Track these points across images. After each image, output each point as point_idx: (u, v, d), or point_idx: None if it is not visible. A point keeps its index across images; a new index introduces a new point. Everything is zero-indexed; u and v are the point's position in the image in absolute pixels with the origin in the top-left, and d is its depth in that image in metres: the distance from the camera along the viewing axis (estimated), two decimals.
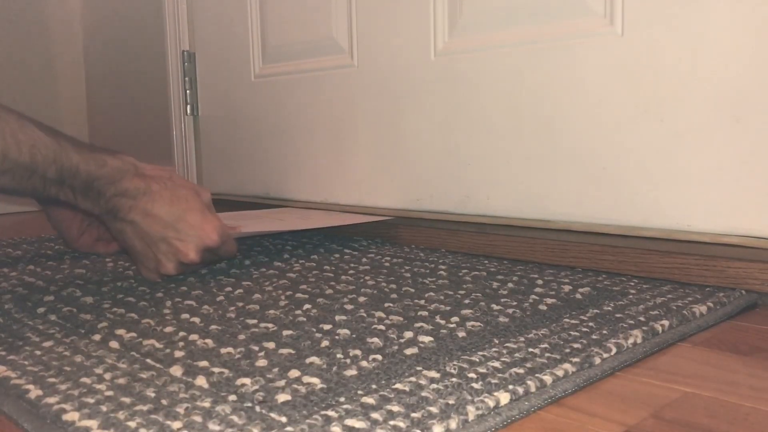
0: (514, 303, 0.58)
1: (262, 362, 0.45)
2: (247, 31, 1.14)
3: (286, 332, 0.51)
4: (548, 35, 0.75)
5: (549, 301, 0.59)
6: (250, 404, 0.38)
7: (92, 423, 0.36)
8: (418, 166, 0.90)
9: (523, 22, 0.78)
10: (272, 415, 0.36)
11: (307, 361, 0.45)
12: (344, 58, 0.98)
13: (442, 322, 0.53)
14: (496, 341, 0.48)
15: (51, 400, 0.39)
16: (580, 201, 0.74)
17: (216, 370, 0.44)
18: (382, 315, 0.55)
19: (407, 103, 0.90)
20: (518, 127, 0.78)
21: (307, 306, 0.59)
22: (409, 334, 0.50)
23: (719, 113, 0.63)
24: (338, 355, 0.46)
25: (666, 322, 0.51)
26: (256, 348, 0.48)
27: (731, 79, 0.62)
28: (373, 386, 0.40)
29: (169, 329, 0.53)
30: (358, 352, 0.47)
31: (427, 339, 0.49)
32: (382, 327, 0.52)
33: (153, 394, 0.40)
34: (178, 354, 0.47)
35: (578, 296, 0.60)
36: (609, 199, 0.72)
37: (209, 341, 0.50)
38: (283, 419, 0.36)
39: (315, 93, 1.03)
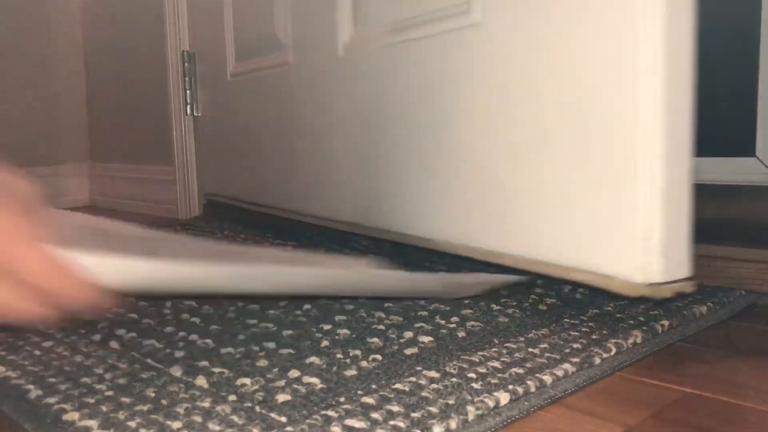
0: (514, 303, 0.58)
1: (262, 362, 0.45)
2: (223, 28, 1.11)
3: (286, 332, 0.51)
4: (428, 22, 0.68)
5: (549, 301, 0.59)
6: (250, 404, 0.38)
7: (92, 423, 0.36)
8: (342, 170, 0.82)
9: (411, 10, 0.70)
10: (272, 415, 0.36)
11: (307, 361, 0.45)
12: (284, 55, 0.94)
13: (442, 322, 0.53)
14: (496, 341, 0.48)
15: (51, 400, 0.39)
16: (455, 220, 0.66)
17: (216, 370, 0.43)
18: (382, 315, 0.55)
19: (326, 104, 0.85)
20: (410, 128, 0.71)
21: (307, 306, 0.59)
22: (409, 334, 0.50)
23: (566, 119, 0.55)
24: (338, 355, 0.46)
25: (666, 322, 0.51)
26: (256, 348, 0.48)
27: (577, 80, 0.54)
28: (373, 386, 0.40)
29: (169, 329, 0.53)
30: (358, 352, 0.47)
31: (427, 339, 0.49)
32: (382, 327, 0.52)
33: (153, 394, 0.40)
34: (178, 354, 0.47)
35: (578, 296, 0.60)
36: (475, 218, 0.63)
37: (209, 341, 0.50)
38: (283, 419, 0.36)
39: (265, 92, 0.99)
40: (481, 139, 0.62)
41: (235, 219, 1.18)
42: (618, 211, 0.50)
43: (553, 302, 0.58)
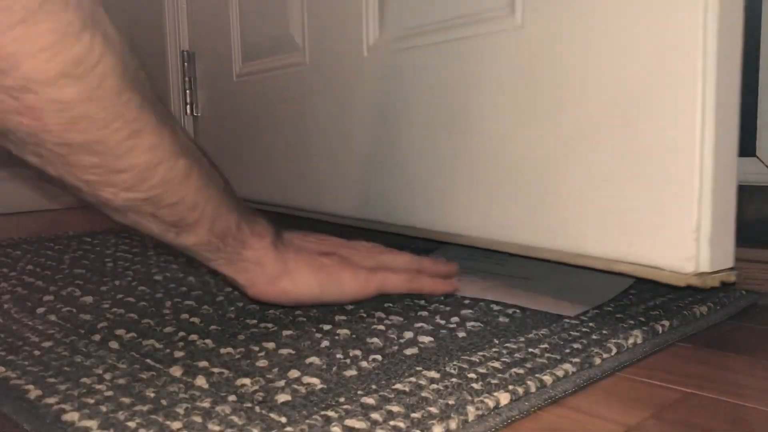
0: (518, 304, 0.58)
1: (262, 362, 0.45)
2: (230, 28, 1.11)
3: (286, 332, 0.51)
4: (459, 26, 0.69)
5: None
6: (250, 404, 0.38)
7: (92, 423, 0.36)
8: (356, 170, 0.85)
9: (440, 13, 0.72)
10: (272, 415, 0.36)
11: (307, 361, 0.45)
12: (299, 55, 0.95)
13: (442, 322, 0.53)
14: (496, 341, 0.48)
15: (51, 400, 0.39)
16: (484, 213, 0.67)
17: (216, 370, 0.43)
18: (382, 315, 0.55)
19: (346, 103, 0.86)
20: (435, 128, 0.72)
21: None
22: (409, 334, 0.50)
23: (611, 115, 0.56)
24: (338, 355, 0.46)
25: (666, 322, 0.51)
26: (256, 348, 0.48)
27: (624, 75, 0.55)
28: (373, 386, 0.40)
29: (169, 329, 0.53)
30: (358, 352, 0.47)
31: (427, 339, 0.49)
32: (382, 327, 0.52)
33: (153, 395, 0.40)
34: (178, 354, 0.47)
35: None
36: (510, 213, 0.64)
37: (209, 341, 0.50)
38: (283, 419, 0.36)
39: (278, 92, 1.00)
40: (522, 136, 0.63)
41: None
42: (667, 204, 0.52)
43: None
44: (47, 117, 0.34)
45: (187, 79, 1.25)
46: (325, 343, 0.49)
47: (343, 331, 0.51)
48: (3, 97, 0.33)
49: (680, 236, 0.51)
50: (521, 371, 0.42)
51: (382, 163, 0.81)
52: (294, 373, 0.43)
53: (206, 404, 0.38)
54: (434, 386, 0.40)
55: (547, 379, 0.41)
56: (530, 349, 0.46)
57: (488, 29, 0.66)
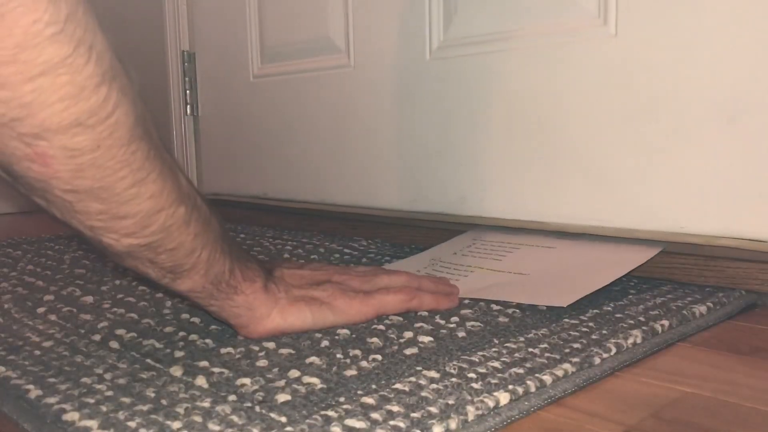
0: (514, 303, 0.58)
1: (262, 362, 0.45)
2: (246, 31, 1.13)
3: None
4: (540, 35, 0.74)
5: None
6: (250, 404, 0.38)
7: (92, 423, 0.36)
8: (414, 167, 0.88)
9: (515, 21, 0.76)
10: (272, 415, 0.36)
11: (307, 361, 0.45)
12: (341, 58, 0.97)
13: (442, 322, 0.53)
14: (496, 341, 0.48)
15: (51, 400, 0.39)
16: (573, 203, 0.73)
17: (216, 370, 0.44)
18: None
19: (403, 104, 0.89)
20: (511, 128, 0.77)
21: None
22: (409, 334, 0.50)
23: (713, 113, 0.62)
24: (338, 355, 0.46)
25: (666, 322, 0.51)
26: (256, 348, 0.48)
27: (726, 78, 0.61)
28: (373, 386, 0.40)
29: (169, 329, 0.53)
30: (358, 352, 0.47)
31: (427, 339, 0.49)
32: (382, 327, 0.52)
33: (153, 394, 0.40)
34: (178, 354, 0.47)
35: None
36: (603, 200, 0.70)
37: (209, 341, 0.50)
38: (283, 419, 0.36)
39: (312, 93, 1.02)
40: (614, 133, 0.69)
41: (239, 217, 1.18)
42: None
43: None
44: (57, 163, 0.35)
45: (187, 79, 1.26)
46: (325, 343, 0.49)
47: (343, 331, 0.51)
48: (17, 144, 0.34)
49: None
50: (521, 371, 0.42)
51: (448, 161, 0.84)
52: (294, 373, 0.43)
53: (206, 404, 0.38)
54: (434, 386, 0.40)
55: (547, 378, 0.41)
56: (530, 349, 0.46)
57: (578, 38, 0.71)
